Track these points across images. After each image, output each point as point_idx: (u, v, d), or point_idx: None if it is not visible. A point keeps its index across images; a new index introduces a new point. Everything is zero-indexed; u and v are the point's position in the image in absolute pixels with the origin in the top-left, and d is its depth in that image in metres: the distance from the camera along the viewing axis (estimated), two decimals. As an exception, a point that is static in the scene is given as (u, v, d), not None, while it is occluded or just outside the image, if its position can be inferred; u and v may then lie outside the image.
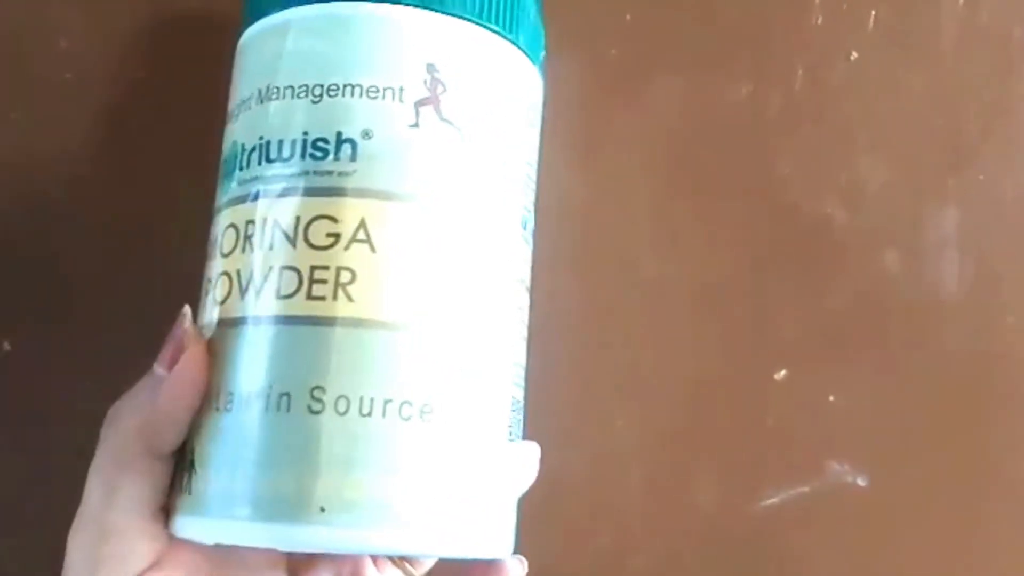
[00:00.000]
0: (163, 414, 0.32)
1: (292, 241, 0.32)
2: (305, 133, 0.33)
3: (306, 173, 0.33)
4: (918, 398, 0.45)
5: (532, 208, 0.39)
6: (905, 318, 0.46)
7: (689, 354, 0.45)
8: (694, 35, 0.46)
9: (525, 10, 0.38)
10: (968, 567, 0.44)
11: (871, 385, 0.45)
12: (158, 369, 0.33)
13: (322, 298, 0.32)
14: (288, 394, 0.31)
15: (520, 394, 0.37)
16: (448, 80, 0.35)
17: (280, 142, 0.33)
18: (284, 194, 0.33)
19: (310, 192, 0.33)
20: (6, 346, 0.44)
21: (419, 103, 0.34)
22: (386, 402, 0.32)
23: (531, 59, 0.39)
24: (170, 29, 0.45)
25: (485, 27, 0.36)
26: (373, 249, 0.32)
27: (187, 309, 0.33)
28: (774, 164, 0.46)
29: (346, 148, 0.33)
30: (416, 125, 0.34)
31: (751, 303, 0.46)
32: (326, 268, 0.32)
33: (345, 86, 0.34)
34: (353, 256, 0.32)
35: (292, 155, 0.33)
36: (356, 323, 0.32)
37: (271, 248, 0.33)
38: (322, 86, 0.34)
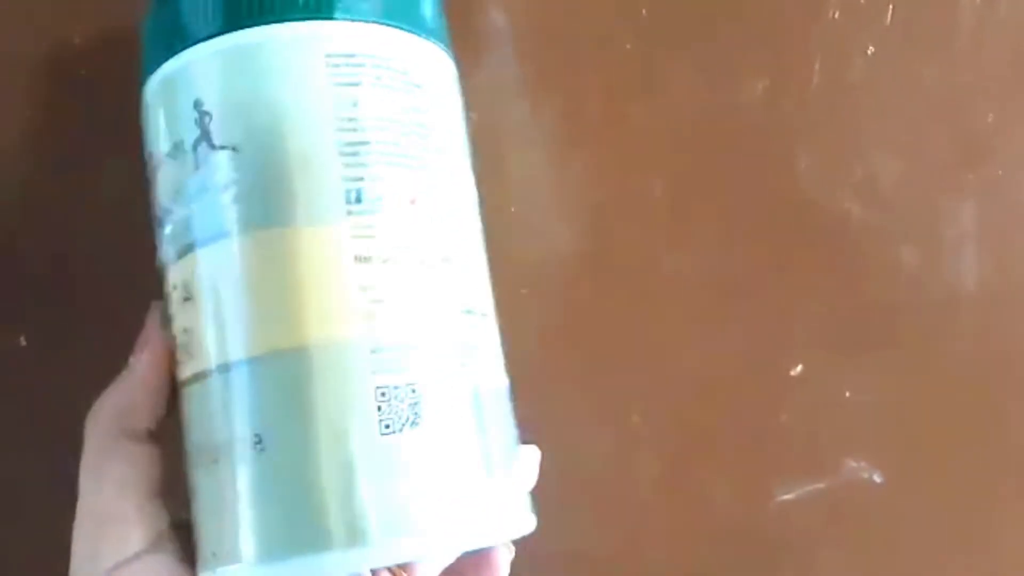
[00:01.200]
0: (132, 390, 0.34)
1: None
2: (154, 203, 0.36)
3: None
4: (935, 394, 0.45)
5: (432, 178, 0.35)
6: (922, 314, 0.45)
7: (705, 350, 0.45)
8: (710, 30, 0.46)
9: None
10: (984, 564, 0.44)
11: (887, 381, 0.45)
12: (131, 360, 0.35)
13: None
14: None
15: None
16: (213, 109, 0.34)
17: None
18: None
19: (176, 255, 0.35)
20: (22, 341, 0.44)
21: (195, 144, 0.34)
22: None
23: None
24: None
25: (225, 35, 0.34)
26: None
27: (154, 304, 0.35)
28: (790, 160, 0.46)
29: (167, 217, 0.35)
30: (196, 167, 0.34)
31: (767, 299, 0.45)
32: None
33: (151, 155, 0.36)
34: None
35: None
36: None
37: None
38: (149, 155, 0.36)
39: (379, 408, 0.31)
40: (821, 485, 0.44)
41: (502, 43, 0.46)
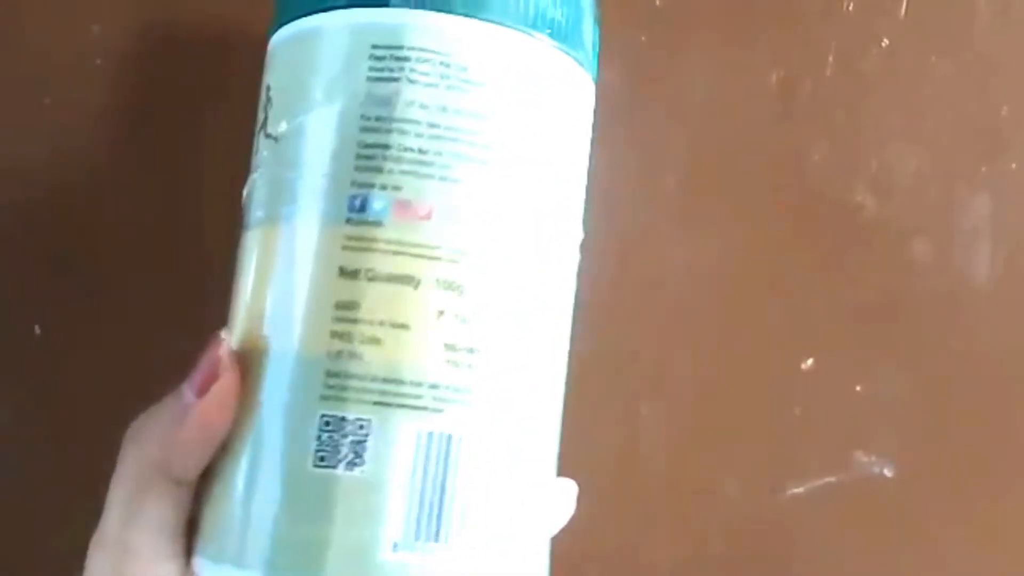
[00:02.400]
0: (188, 443, 0.31)
1: None
2: None
3: None
4: (947, 389, 0.45)
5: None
6: (935, 308, 0.45)
7: (716, 342, 0.45)
8: (724, 21, 0.46)
9: None
10: (995, 559, 0.44)
11: (899, 375, 0.45)
12: (188, 394, 0.31)
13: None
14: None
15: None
16: (274, 95, 0.33)
17: None
18: None
19: None
20: (36, 330, 0.44)
21: (259, 128, 0.33)
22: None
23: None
24: (203, 16, 0.45)
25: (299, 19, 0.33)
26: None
27: (223, 333, 0.32)
28: (804, 151, 0.45)
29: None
30: (256, 151, 0.33)
31: (779, 292, 0.45)
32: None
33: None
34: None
35: None
36: None
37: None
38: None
39: (318, 437, 0.29)
40: (832, 479, 0.44)
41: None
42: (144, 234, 0.45)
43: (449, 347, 0.30)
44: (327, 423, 0.29)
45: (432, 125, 0.31)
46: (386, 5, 0.31)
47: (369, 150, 0.30)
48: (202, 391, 0.31)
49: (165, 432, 0.31)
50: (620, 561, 0.44)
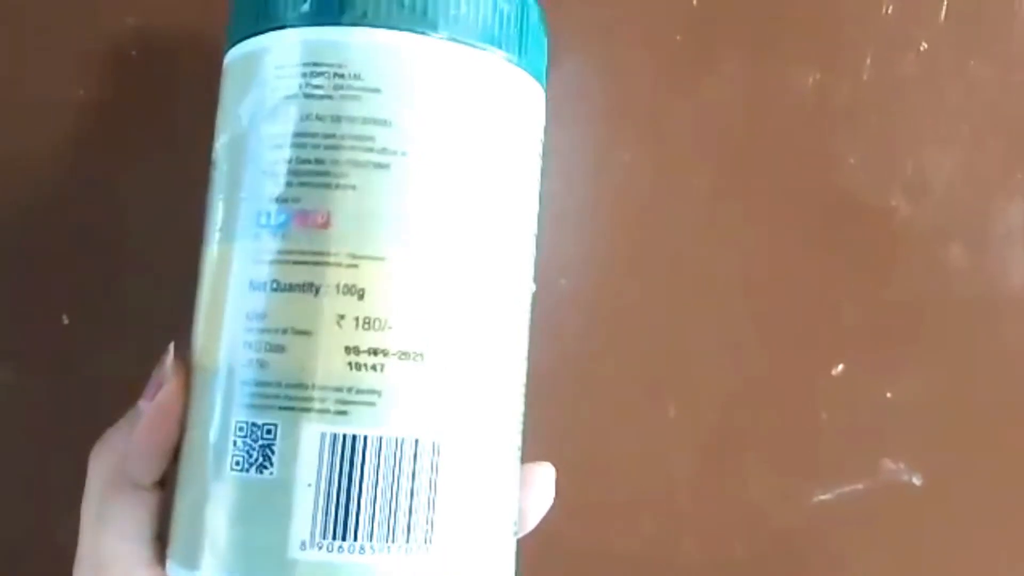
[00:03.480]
0: (139, 447, 0.33)
1: None
2: None
3: None
4: (978, 396, 0.44)
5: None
6: (968, 314, 0.45)
7: (745, 346, 0.45)
8: (761, 22, 0.45)
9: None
10: (1024, 571, 0.44)
11: (930, 382, 0.44)
12: (141, 403, 0.34)
13: None
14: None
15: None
16: (216, 119, 0.35)
17: None
18: None
19: None
20: (64, 319, 0.44)
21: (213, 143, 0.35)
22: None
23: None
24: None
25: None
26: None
27: (171, 346, 0.34)
28: (839, 155, 0.45)
29: None
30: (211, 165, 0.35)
31: (810, 296, 0.45)
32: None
33: None
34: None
35: None
36: None
37: None
38: None
39: (235, 443, 0.31)
40: (859, 486, 0.44)
41: (548, 32, 0.46)
42: (176, 225, 0.44)
43: (351, 350, 0.30)
44: (240, 429, 0.31)
45: (328, 135, 0.31)
46: (282, 27, 0.32)
47: (273, 166, 0.32)
48: (149, 394, 0.33)
49: (121, 440, 0.33)
50: (644, 564, 0.44)
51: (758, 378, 0.44)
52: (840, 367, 0.44)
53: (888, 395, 0.44)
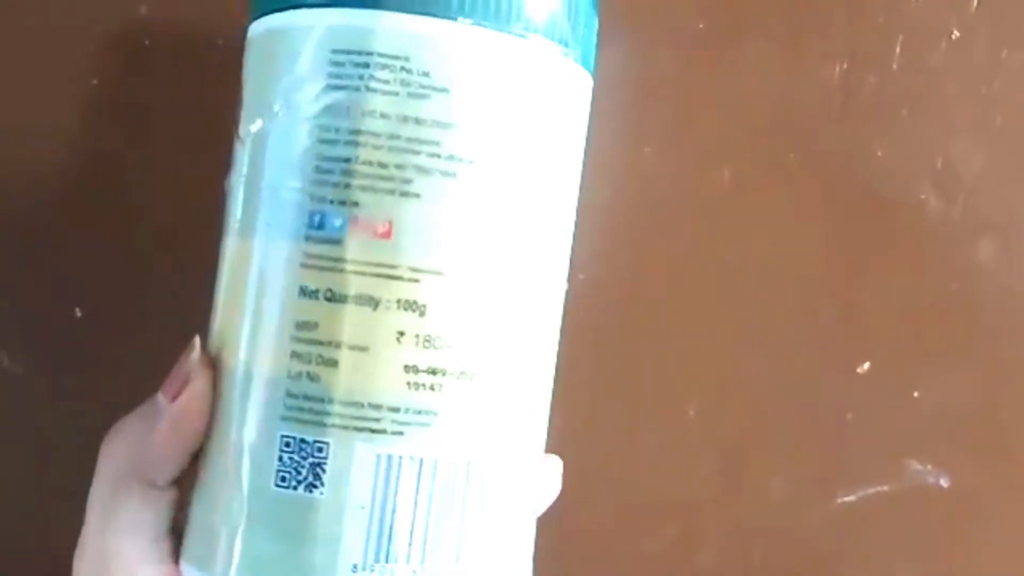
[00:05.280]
0: (160, 446, 0.31)
1: None
2: None
3: None
4: (1009, 397, 0.43)
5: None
6: (999, 312, 0.44)
7: (769, 343, 0.44)
8: (786, 9, 0.44)
9: None
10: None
11: (959, 382, 0.43)
12: (160, 398, 0.32)
13: None
14: None
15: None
16: (244, 93, 0.32)
17: None
18: None
19: None
20: (77, 312, 0.44)
21: (234, 124, 0.33)
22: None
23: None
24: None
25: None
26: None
27: (196, 340, 0.32)
28: (867, 147, 0.44)
29: None
30: (233, 150, 0.33)
31: (836, 292, 0.44)
32: None
33: None
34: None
35: None
36: None
37: None
38: None
39: (280, 458, 0.29)
40: (884, 488, 0.43)
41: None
42: (191, 217, 0.44)
43: (409, 369, 0.29)
44: (287, 444, 0.29)
45: (392, 136, 0.29)
46: (344, 5, 0.29)
47: (328, 163, 0.29)
48: (175, 395, 0.31)
49: (139, 437, 0.32)
50: (664, 565, 0.43)
51: (780, 376, 0.44)
52: (866, 365, 0.43)
53: (915, 394, 0.43)
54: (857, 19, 0.45)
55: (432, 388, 0.29)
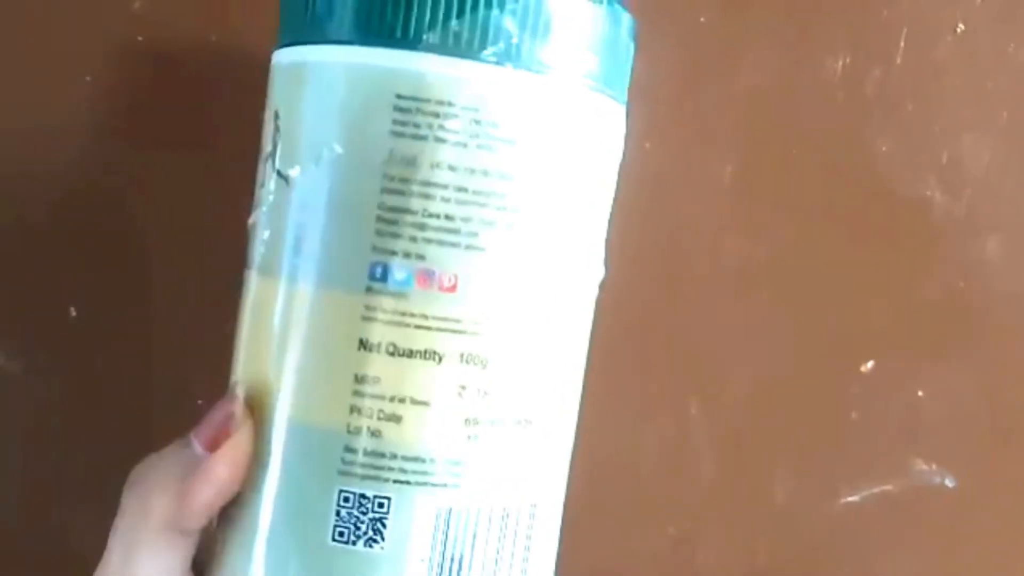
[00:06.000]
0: (196, 496, 0.30)
1: None
2: None
3: None
4: (1013, 397, 0.43)
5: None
6: (1005, 310, 0.43)
7: (771, 341, 0.43)
8: (789, 3, 0.44)
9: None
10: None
11: (964, 381, 0.43)
12: (197, 446, 0.30)
13: None
14: None
15: None
16: (283, 126, 0.30)
17: None
18: None
19: None
20: (72, 312, 0.44)
21: (267, 158, 0.31)
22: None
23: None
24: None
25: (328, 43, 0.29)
26: None
27: (239, 389, 0.31)
28: (871, 142, 0.44)
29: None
30: (262, 183, 0.31)
31: (840, 289, 0.43)
32: None
33: None
34: None
35: None
36: None
37: None
38: None
39: (337, 513, 0.29)
40: (888, 487, 0.42)
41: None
42: (184, 217, 0.44)
43: (470, 422, 0.29)
44: (346, 499, 0.29)
45: (460, 189, 0.28)
46: (413, 48, 0.28)
47: (392, 214, 0.28)
48: (213, 446, 0.30)
49: (171, 483, 0.30)
50: (666, 566, 0.43)
51: (784, 375, 0.43)
52: (870, 364, 0.43)
53: (920, 393, 0.43)
54: (860, 12, 0.44)
55: (491, 440, 0.29)
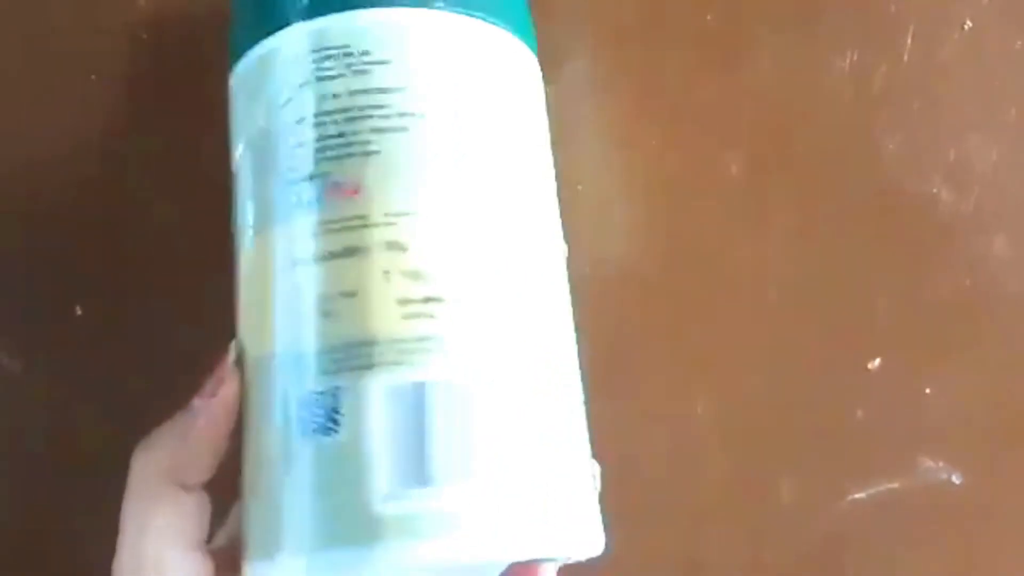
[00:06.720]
0: (199, 440, 0.32)
1: None
2: None
3: None
4: (1021, 394, 0.43)
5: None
6: (1011, 307, 0.43)
7: (778, 339, 0.43)
8: (796, 0, 0.44)
9: None
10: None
11: (971, 378, 0.43)
12: (196, 402, 0.33)
13: None
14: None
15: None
16: (230, 132, 0.36)
17: None
18: None
19: None
20: (77, 310, 0.43)
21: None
22: None
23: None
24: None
25: None
26: None
27: (232, 344, 0.34)
28: (878, 139, 0.44)
29: None
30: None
31: (846, 288, 0.43)
32: None
33: None
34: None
35: None
36: None
37: None
38: None
39: (299, 415, 0.31)
40: (895, 485, 0.42)
41: (578, 12, 0.44)
42: (191, 214, 0.44)
43: (402, 302, 0.31)
44: (304, 400, 0.31)
45: (345, 110, 0.32)
46: (287, 25, 0.34)
47: (297, 150, 0.33)
48: (208, 394, 0.33)
49: (174, 441, 0.33)
50: (672, 564, 0.43)
51: (790, 372, 0.43)
52: (877, 361, 0.43)
53: (927, 391, 0.43)
54: (867, 9, 0.44)
55: (429, 316, 0.31)
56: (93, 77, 0.44)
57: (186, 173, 0.44)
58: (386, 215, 0.31)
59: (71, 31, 0.44)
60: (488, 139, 0.34)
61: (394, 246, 0.31)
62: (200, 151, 0.44)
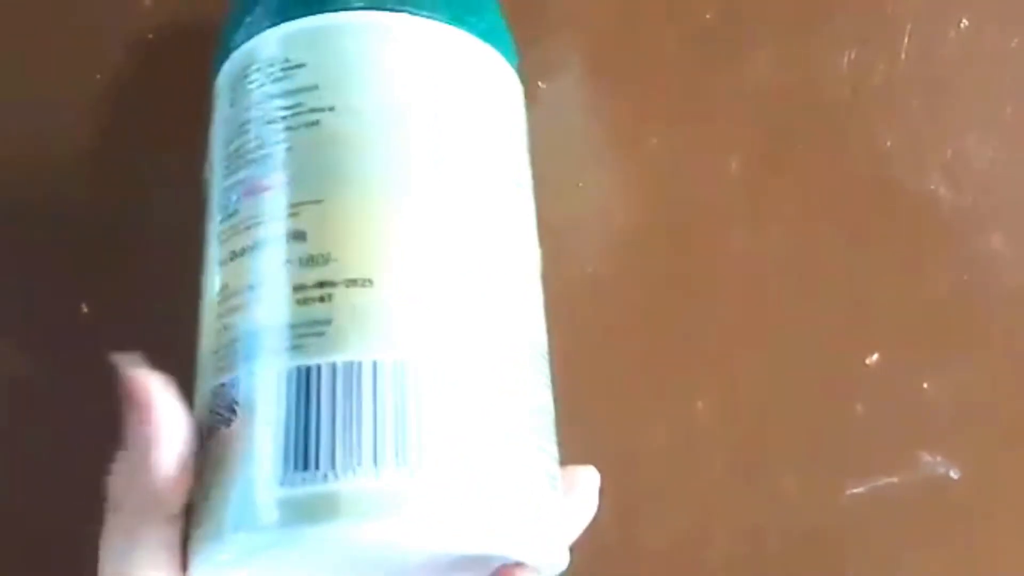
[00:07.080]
0: (163, 469, 0.29)
1: None
2: None
3: None
4: (1019, 389, 0.43)
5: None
6: (1009, 304, 0.44)
7: (776, 334, 0.44)
8: (795, -1, 0.45)
9: None
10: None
11: (969, 373, 0.43)
12: (143, 429, 0.30)
13: None
14: None
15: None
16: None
17: None
18: None
19: None
20: (83, 308, 0.44)
21: None
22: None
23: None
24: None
25: None
26: None
27: (128, 359, 0.32)
28: (875, 136, 0.44)
29: None
30: None
31: (845, 283, 0.44)
32: None
33: None
34: None
35: None
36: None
37: None
38: None
39: (210, 410, 0.31)
40: (894, 479, 0.42)
41: (577, 11, 0.45)
42: (196, 210, 0.44)
43: (298, 288, 0.31)
44: (211, 395, 0.32)
45: (263, 115, 0.34)
46: (229, 51, 0.36)
47: (227, 162, 0.35)
48: (147, 417, 0.30)
49: (142, 478, 0.30)
50: (673, 559, 0.43)
51: (789, 368, 0.43)
52: (875, 356, 0.43)
53: (925, 386, 0.43)
54: (865, 7, 0.45)
55: (322, 299, 0.31)
56: (98, 76, 0.44)
57: (191, 170, 0.44)
58: (290, 206, 0.32)
59: (75, 30, 0.44)
60: (409, 130, 0.33)
61: (294, 236, 0.32)
62: (205, 150, 0.44)
